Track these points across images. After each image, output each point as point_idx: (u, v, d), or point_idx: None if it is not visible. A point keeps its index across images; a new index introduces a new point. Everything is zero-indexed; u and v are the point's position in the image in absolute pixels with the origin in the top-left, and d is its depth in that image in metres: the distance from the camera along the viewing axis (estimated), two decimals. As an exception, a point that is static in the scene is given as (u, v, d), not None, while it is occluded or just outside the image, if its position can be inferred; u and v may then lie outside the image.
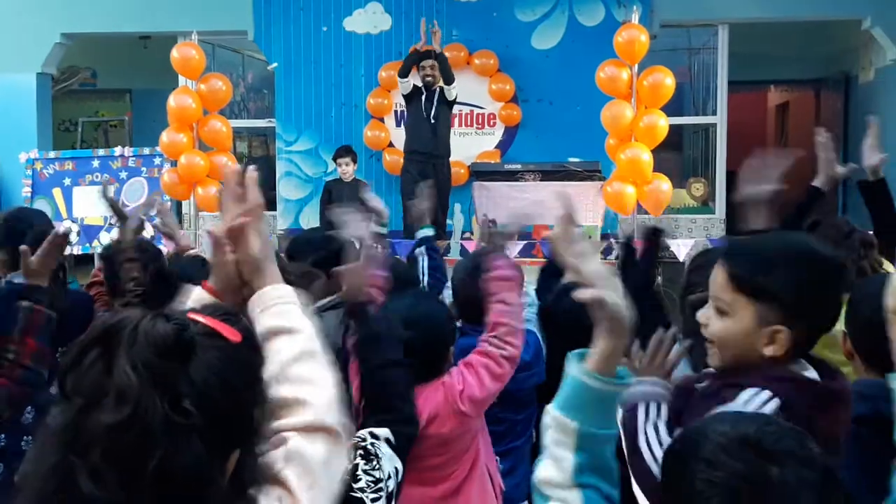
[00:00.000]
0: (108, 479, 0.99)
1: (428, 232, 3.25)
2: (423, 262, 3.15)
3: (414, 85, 7.60)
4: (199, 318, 1.13)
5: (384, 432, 1.77)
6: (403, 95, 7.73)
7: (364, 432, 1.77)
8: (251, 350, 1.18)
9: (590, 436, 1.29)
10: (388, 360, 2.00)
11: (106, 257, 3.20)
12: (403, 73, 7.63)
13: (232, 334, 1.13)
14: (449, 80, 7.51)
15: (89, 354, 1.05)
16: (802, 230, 2.90)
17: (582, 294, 1.32)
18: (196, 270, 2.88)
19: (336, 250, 3.23)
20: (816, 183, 3.07)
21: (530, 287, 3.19)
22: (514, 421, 2.62)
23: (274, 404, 1.26)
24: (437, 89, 7.48)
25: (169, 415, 1.01)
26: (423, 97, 7.47)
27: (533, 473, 1.36)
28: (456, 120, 8.87)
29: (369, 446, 1.73)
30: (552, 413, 1.33)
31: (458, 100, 7.92)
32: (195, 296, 1.46)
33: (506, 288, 2.39)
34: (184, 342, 1.06)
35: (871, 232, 2.97)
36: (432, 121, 7.32)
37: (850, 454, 1.75)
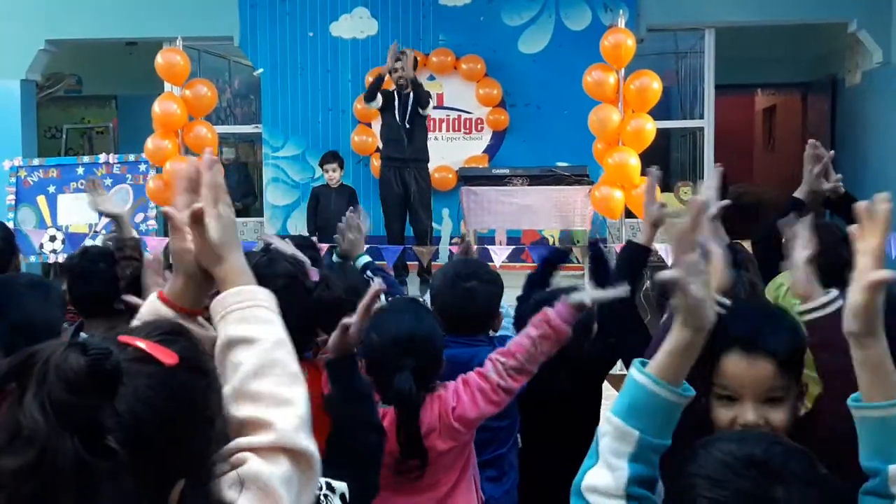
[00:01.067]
0: None
1: (364, 259, 3.16)
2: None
3: (386, 91, 7.48)
4: (130, 341, 1.04)
5: (341, 486, 1.65)
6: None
7: (322, 481, 1.61)
8: (191, 371, 1.07)
9: (649, 446, 1.28)
10: (369, 422, 1.92)
11: (70, 269, 3.12)
12: (370, 98, 7.46)
13: (167, 356, 1.04)
14: (424, 104, 7.40)
15: (3, 391, 0.98)
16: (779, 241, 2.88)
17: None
18: None
19: (314, 258, 3.20)
20: (798, 194, 3.06)
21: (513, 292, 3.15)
22: (497, 428, 2.59)
23: (234, 424, 1.17)
24: (410, 93, 7.37)
25: (82, 457, 0.93)
26: (397, 102, 7.39)
27: (578, 478, 1.34)
28: (443, 125, 8.86)
29: (322, 497, 1.59)
30: (613, 420, 1.30)
31: (441, 106, 7.89)
32: (148, 309, 1.34)
33: (547, 334, 2.24)
34: (102, 374, 0.97)
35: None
36: (407, 126, 7.24)
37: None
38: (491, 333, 2.72)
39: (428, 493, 2.27)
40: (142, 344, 1.04)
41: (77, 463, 0.93)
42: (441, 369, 2.27)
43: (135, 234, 2.95)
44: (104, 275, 2.96)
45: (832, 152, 3.08)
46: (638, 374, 1.30)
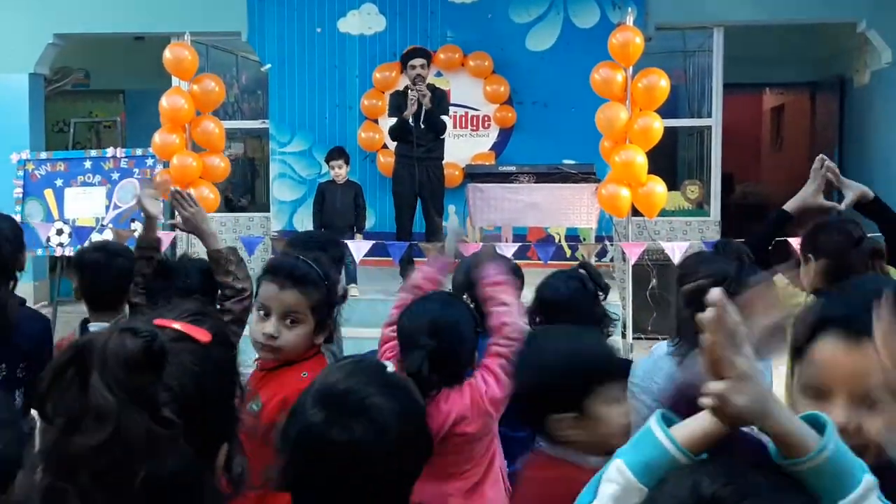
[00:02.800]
0: (98, 499, 1.02)
1: None
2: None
3: (401, 92, 7.41)
4: (167, 324, 1.14)
5: None
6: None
7: None
8: (222, 345, 1.19)
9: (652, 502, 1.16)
10: None
11: (86, 262, 3.13)
12: (393, 138, 7.46)
13: (201, 335, 1.14)
14: (444, 111, 7.37)
15: (64, 377, 1.05)
16: (768, 252, 2.88)
17: (710, 387, 1.10)
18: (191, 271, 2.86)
19: (339, 255, 3.21)
20: (787, 207, 3.03)
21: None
22: (522, 438, 2.63)
23: None
24: (428, 95, 7.29)
25: (151, 428, 1.03)
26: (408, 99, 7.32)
27: None
28: (451, 122, 8.84)
29: None
30: (624, 473, 1.17)
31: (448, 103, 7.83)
32: None
33: (500, 290, 2.39)
34: (154, 353, 1.06)
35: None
36: (421, 125, 7.20)
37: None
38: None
39: (456, 483, 2.30)
40: (177, 325, 1.14)
41: (147, 434, 1.03)
42: (471, 362, 2.30)
43: (160, 235, 2.97)
44: (121, 270, 2.99)
45: (831, 163, 3.05)
46: (661, 435, 1.15)
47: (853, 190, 2.97)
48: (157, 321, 1.14)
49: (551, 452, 1.86)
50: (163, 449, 1.03)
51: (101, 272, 3.02)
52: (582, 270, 2.85)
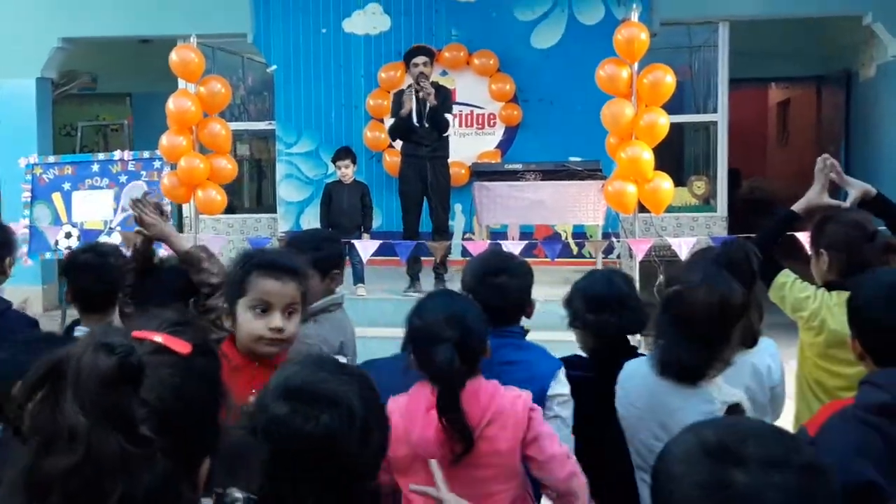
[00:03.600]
0: None
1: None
2: None
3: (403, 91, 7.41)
4: (146, 336, 1.11)
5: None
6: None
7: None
8: (204, 356, 1.16)
9: None
10: None
11: (79, 263, 3.11)
12: (393, 138, 7.48)
13: (181, 346, 1.12)
14: (448, 109, 7.33)
15: (38, 394, 1.03)
16: (773, 251, 2.91)
17: None
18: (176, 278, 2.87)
19: (337, 252, 3.22)
20: (796, 208, 3.06)
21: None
22: None
23: None
24: (431, 94, 7.26)
25: (124, 447, 1.00)
26: (414, 103, 7.29)
27: None
28: (456, 120, 8.85)
29: None
30: None
31: (454, 101, 7.80)
32: None
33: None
34: (129, 369, 1.03)
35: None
36: (426, 124, 7.16)
37: (874, 445, 1.76)
38: (524, 321, 2.74)
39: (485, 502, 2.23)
40: (157, 337, 1.11)
41: (120, 454, 1.00)
42: (485, 349, 2.28)
43: (186, 244, 2.87)
44: (111, 271, 2.98)
45: (833, 161, 3.07)
46: None
47: (856, 188, 2.99)
48: (136, 333, 1.12)
49: None
50: (138, 467, 1.01)
51: (90, 273, 3.00)
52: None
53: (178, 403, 1.07)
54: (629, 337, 2.86)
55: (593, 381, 2.61)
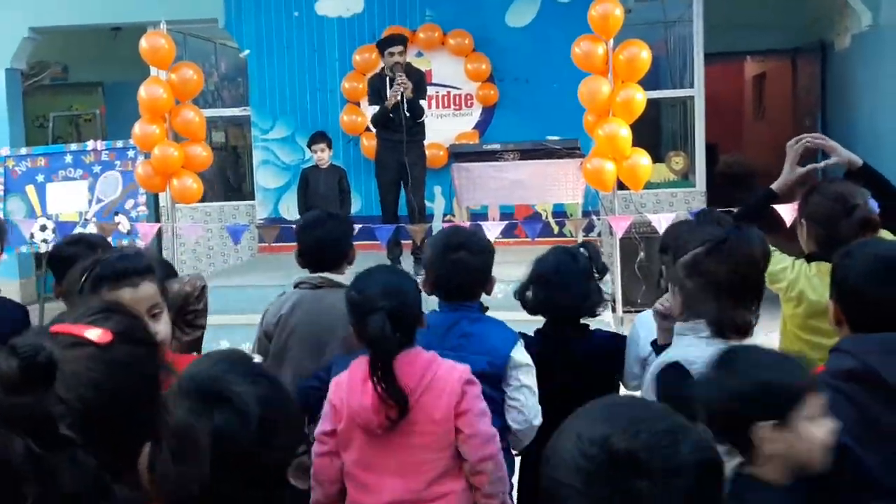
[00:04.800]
0: None
1: None
2: None
3: (379, 77, 7.31)
4: (61, 328, 1.09)
5: None
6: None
7: None
8: (129, 343, 1.13)
9: None
10: None
11: (64, 256, 3.03)
12: (375, 125, 7.37)
13: (100, 336, 1.09)
14: (423, 94, 7.26)
15: None
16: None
17: None
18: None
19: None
20: (774, 187, 3.12)
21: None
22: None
23: None
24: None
25: (34, 451, 0.97)
26: (388, 89, 7.22)
27: None
28: (433, 102, 8.79)
29: None
30: None
31: (430, 83, 7.73)
32: None
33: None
34: (35, 371, 0.99)
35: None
36: (406, 113, 7.09)
37: (843, 410, 1.79)
38: (484, 297, 2.78)
39: (414, 477, 2.29)
40: (73, 329, 1.09)
41: (31, 458, 0.97)
42: (420, 320, 2.35)
43: (185, 286, 2.80)
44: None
45: (816, 136, 3.12)
46: None
47: (842, 156, 3.02)
48: (54, 328, 1.10)
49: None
50: (55, 468, 0.98)
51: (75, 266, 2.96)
52: (582, 249, 2.84)
53: (100, 396, 1.04)
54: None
55: (535, 359, 2.66)
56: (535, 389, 2.60)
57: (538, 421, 2.56)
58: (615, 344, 2.84)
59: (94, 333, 1.09)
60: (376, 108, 7.17)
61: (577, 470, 1.03)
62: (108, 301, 1.21)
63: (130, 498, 1.08)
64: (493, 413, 2.42)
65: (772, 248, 2.89)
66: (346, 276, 3.02)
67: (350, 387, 2.29)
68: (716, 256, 2.11)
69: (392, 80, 6.96)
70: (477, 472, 2.30)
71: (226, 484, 1.35)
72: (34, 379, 1.00)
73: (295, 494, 1.74)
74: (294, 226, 3.39)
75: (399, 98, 6.91)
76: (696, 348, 2.09)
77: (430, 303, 2.64)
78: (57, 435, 0.99)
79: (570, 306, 2.76)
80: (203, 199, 8.28)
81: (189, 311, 2.76)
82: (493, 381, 2.58)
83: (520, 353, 2.61)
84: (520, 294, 2.83)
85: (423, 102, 7.21)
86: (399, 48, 7.09)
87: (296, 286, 3.18)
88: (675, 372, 2.07)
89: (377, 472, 2.29)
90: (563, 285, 2.72)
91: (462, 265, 2.67)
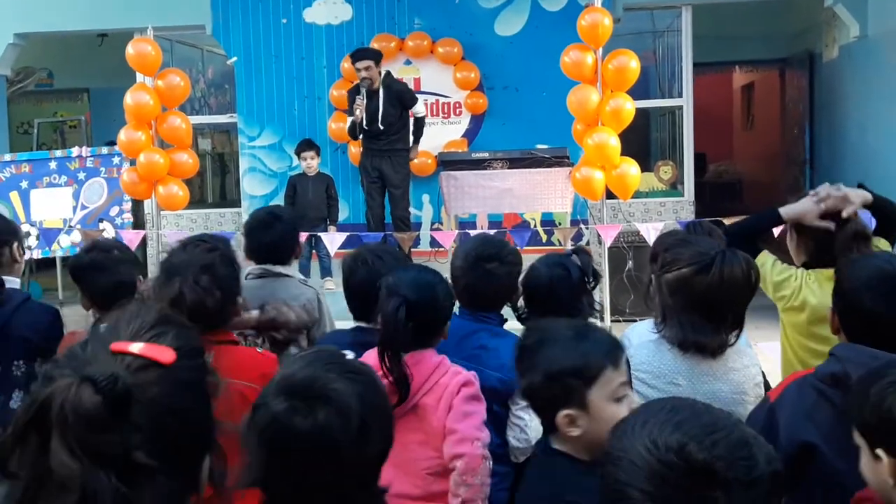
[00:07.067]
0: None
1: None
2: None
3: (354, 95, 7.31)
4: (123, 348, 1.05)
5: None
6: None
7: None
8: (189, 357, 1.11)
9: None
10: None
11: (85, 265, 3.00)
12: (353, 136, 7.48)
13: (164, 355, 1.06)
14: (408, 103, 7.41)
15: (27, 434, 0.98)
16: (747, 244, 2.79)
17: None
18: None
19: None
20: (784, 214, 2.86)
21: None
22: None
23: None
24: (379, 88, 7.27)
25: (118, 487, 0.96)
26: (366, 99, 7.24)
27: None
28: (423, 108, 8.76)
29: None
30: None
31: (418, 91, 7.77)
32: None
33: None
34: (116, 402, 0.98)
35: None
36: (380, 126, 7.16)
37: (823, 412, 1.89)
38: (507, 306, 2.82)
39: (413, 473, 2.30)
40: (135, 348, 1.05)
41: (115, 493, 0.96)
42: (442, 331, 2.37)
43: (291, 315, 2.88)
44: (120, 264, 2.95)
45: (838, 191, 2.82)
46: None
47: (856, 202, 2.80)
48: (114, 346, 1.05)
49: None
50: (137, 498, 0.97)
51: (102, 270, 2.91)
52: (574, 256, 2.81)
53: (172, 418, 1.03)
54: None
55: None
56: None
57: (535, 435, 2.52)
58: None
59: (160, 352, 1.06)
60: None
61: (650, 475, 1.07)
62: (160, 311, 1.17)
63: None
64: (496, 431, 2.43)
65: (774, 259, 2.87)
66: (291, 269, 3.39)
67: None
68: (700, 278, 2.17)
69: (365, 93, 7.10)
70: (450, 468, 2.30)
71: (323, 481, 1.37)
72: (115, 412, 0.98)
73: None
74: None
75: (359, 116, 7.05)
76: (646, 337, 2.28)
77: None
78: (138, 465, 0.98)
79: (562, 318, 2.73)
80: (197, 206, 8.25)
81: (288, 334, 2.82)
82: (503, 399, 2.58)
83: None
84: (512, 302, 2.83)
85: (420, 106, 7.38)
86: (366, 63, 7.15)
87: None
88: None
89: None
90: (556, 301, 2.68)
91: (493, 276, 2.69)
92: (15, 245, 3.13)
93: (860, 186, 2.88)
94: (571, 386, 1.73)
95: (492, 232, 6.30)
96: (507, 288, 2.75)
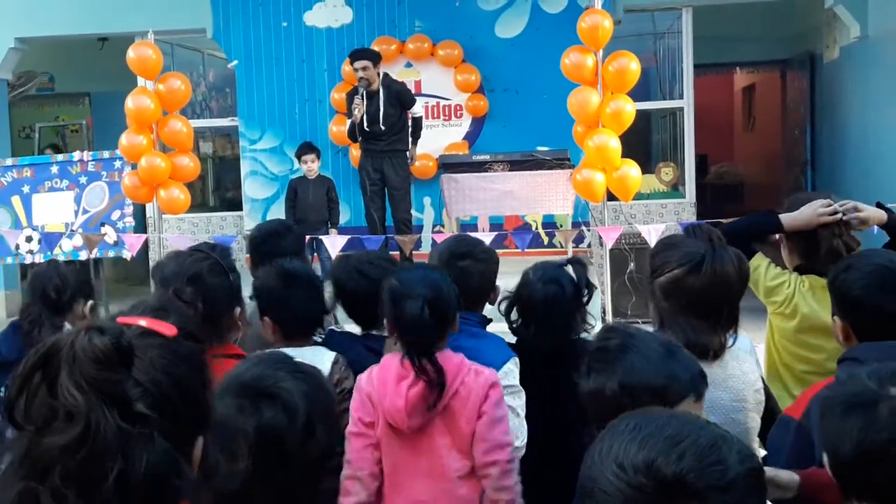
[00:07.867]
0: (72, 498, 1.00)
1: None
2: None
3: (353, 96, 7.31)
4: (132, 321, 1.13)
5: None
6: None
7: None
8: (189, 339, 1.18)
9: None
10: None
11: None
12: (353, 139, 7.50)
13: (167, 329, 1.14)
14: (407, 103, 7.43)
15: (32, 381, 1.03)
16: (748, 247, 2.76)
17: None
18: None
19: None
20: (785, 222, 2.82)
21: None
22: None
23: None
24: (379, 89, 7.29)
25: (121, 425, 1.01)
26: (366, 100, 7.24)
27: None
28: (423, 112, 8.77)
29: None
30: None
31: (419, 93, 7.78)
32: None
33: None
34: (122, 349, 1.04)
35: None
36: (381, 127, 7.17)
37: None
38: (488, 306, 2.80)
39: (441, 478, 2.29)
40: (142, 321, 1.13)
41: (118, 430, 1.01)
42: (454, 321, 2.34)
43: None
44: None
45: (852, 212, 2.79)
46: None
47: (872, 221, 2.78)
48: (120, 319, 1.13)
49: None
50: (136, 445, 1.02)
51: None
52: (568, 267, 2.78)
53: (169, 383, 1.08)
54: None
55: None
56: (521, 411, 2.53)
57: (521, 442, 2.49)
58: None
59: (163, 326, 1.14)
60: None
61: (624, 502, 1.02)
62: (160, 298, 1.24)
63: (195, 483, 1.13)
64: None
65: (768, 262, 2.86)
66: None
67: (381, 386, 2.27)
68: (692, 278, 2.16)
69: (364, 95, 7.09)
70: (482, 475, 2.29)
71: (268, 478, 1.40)
72: (121, 357, 1.04)
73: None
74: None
75: (358, 117, 7.05)
76: None
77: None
78: (136, 412, 1.03)
79: (555, 337, 2.70)
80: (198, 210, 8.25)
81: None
82: None
83: (508, 375, 2.54)
84: (506, 312, 2.79)
85: (418, 108, 7.42)
86: (363, 63, 7.17)
87: None
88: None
89: (405, 472, 2.29)
90: (549, 318, 2.67)
91: (468, 273, 2.67)
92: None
93: (878, 205, 2.84)
94: (644, 404, 1.63)
95: (492, 235, 6.30)
96: (483, 286, 2.73)
